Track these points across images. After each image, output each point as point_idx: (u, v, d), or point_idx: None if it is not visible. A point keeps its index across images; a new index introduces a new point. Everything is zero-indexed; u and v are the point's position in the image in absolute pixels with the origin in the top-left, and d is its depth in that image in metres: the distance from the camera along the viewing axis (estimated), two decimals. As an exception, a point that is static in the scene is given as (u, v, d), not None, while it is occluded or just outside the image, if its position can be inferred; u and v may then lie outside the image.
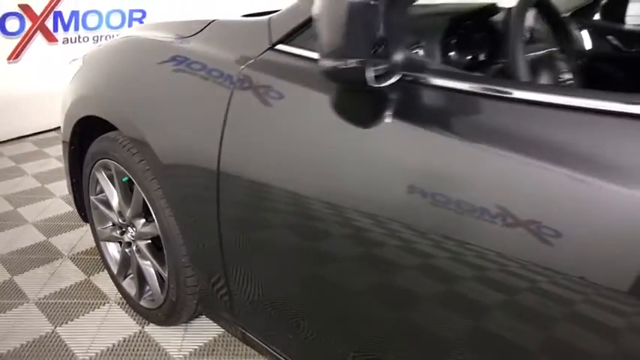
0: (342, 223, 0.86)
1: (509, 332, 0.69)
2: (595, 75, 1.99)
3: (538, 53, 1.12)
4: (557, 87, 1.10)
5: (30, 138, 3.44)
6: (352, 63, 0.63)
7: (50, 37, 3.34)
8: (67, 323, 1.62)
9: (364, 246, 0.84)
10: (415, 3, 0.86)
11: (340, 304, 0.95)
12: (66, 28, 3.38)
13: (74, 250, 2.05)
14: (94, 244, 1.83)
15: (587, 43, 1.99)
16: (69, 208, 2.37)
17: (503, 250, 0.66)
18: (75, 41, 3.44)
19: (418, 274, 0.77)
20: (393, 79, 0.72)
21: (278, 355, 1.17)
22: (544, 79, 1.07)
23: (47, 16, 3.28)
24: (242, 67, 1.04)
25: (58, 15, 3.32)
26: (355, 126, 0.82)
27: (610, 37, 1.98)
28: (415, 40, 1.03)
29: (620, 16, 1.95)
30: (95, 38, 3.54)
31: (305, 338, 1.08)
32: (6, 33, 3.15)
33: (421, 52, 1.03)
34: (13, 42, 3.21)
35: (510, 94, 0.71)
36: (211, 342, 1.55)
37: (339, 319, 0.97)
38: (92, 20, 3.50)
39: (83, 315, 1.66)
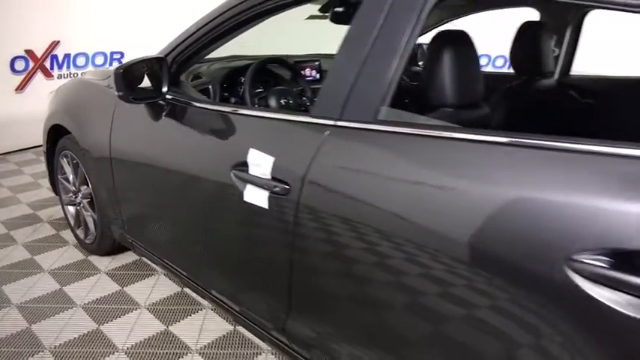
0: (165, 175, 1.82)
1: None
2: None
3: (275, 88, 2.08)
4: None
5: (30, 149, 4.45)
6: (120, 93, 1.61)
7: (48, 74, 4.37)
8: (40, 254, 2.59)
9: (178, 186, 1.76)
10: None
11: (177, 222, 1.87)
12: (60, 67, 4.42)
13: (51, 218, 3.04)
14: (63, 215, 2.81)
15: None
16: (51, 194, 3.35)
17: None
18: (67, 77, 4.44)
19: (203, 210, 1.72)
20: (151, 100, 1.70)
21: (149, 253, 2.12)
22: (273, 102, 2.02)
23: (46, 57, 4.32)
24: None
25: (54, 57, 4.36)
26: (153, 119, 1.79)
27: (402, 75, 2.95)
28: (208, 81, 2.03)
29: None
30: (83, 74, 4.57)
31: (160, 242, 2.03)
32: (14, 71, 4.19)
33: (210, 87, 2.02)
34: (20, 77, 4.22)
35: (224, 110, 1.63)
36: (128, 263, 2.51)
37: (180, 232, 1.90)
38: (81, 60, 4.55)
39: (50, 251, 2.63)
